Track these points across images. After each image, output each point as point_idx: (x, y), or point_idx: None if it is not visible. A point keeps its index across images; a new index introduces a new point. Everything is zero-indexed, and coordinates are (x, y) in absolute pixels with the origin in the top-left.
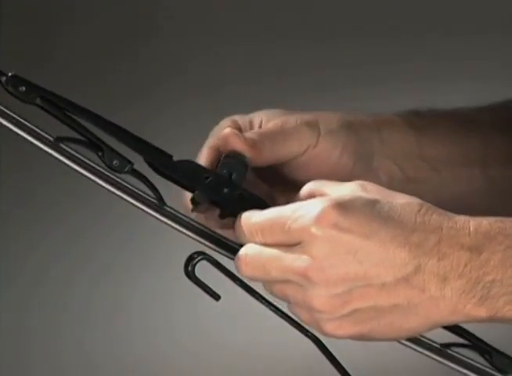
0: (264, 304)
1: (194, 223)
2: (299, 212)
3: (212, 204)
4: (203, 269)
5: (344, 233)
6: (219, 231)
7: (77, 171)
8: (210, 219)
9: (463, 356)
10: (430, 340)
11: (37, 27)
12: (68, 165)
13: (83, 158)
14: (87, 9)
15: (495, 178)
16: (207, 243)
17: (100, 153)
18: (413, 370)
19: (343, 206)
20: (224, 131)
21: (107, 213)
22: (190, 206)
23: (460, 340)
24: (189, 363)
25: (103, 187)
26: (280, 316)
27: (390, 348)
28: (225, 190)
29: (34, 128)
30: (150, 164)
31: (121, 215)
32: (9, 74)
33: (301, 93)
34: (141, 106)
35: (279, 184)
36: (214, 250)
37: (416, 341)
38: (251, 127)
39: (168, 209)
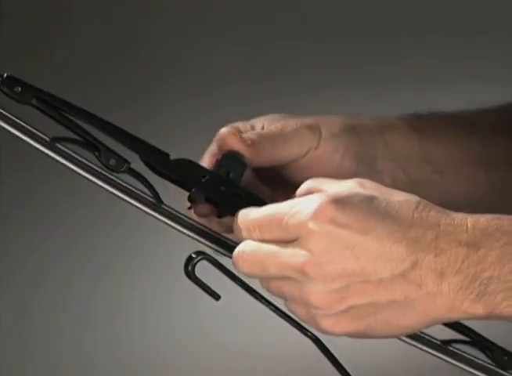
0: (264, 304)
1: (192, 222)
2: (296, 208)
3: (209, 202)
4: (203, 269)
5: (342, 229)
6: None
7: (73, 170)
8: (211, 221)
9: (463, 352)
10: (430, 336)
11: (37, 27)
12: (65, 165)
13: (80, 158)
14: (87, 9)
15: (496, 180)
16: (205, 241)
17: (97, 153)
18: (413, 370)
19: (340, 201)
20: (221, 130)
21: (107, 213)
22: (188, 205)
23: (461, 336)
24: (189, 363)
25: (100, 187)
26: (280, 316)
27: (390, 348)
28: (223, 189)
29: (30, 128)
30: (147, 163)
31: (121, 215)
32: (5, 75)
33: (301, 93)
34: (141, 106)
35: (281, 187)
36: (212, 248)
37: (417, 337)
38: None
39: (166, 208)
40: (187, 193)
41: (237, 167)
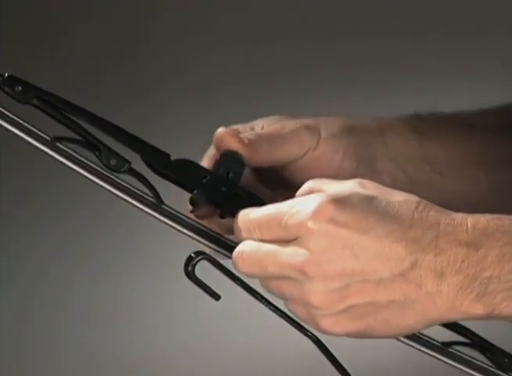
0: (264, 304)
1: (192, 222)
2: (296, 208)
3: (211, 203)
4: (203, 269)
5: (341, 228)
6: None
7: (74, 170)
8: (212, 222)
9: (463, 354)
10: (431, 338)
11: (37, 27)
12: (65, 165)
13: (80, 158)
14: (87, 9)
15: (496, 180)
16: (205, 241)
17: (97, 153)
18: (413, 370)
19: (340, 201)
20: (218, 130)
21: (107, 213)
22: (190, 207)
23: (461, 338)
24: (189, 363)
25: (101, 186)
26: (280, 316)
27: (390, 348)
28: (223, 189)
29: (31, 127)
30: (148, 163)
31: (121, 215)
32: (6, 75)
33: (301, 93)
34: (141, 106)
35: (281, 188)
36: (212, 249)
37: (417, 339)
38: None
39: (166, 208)
40: (187, 194)
41: (236, 166)
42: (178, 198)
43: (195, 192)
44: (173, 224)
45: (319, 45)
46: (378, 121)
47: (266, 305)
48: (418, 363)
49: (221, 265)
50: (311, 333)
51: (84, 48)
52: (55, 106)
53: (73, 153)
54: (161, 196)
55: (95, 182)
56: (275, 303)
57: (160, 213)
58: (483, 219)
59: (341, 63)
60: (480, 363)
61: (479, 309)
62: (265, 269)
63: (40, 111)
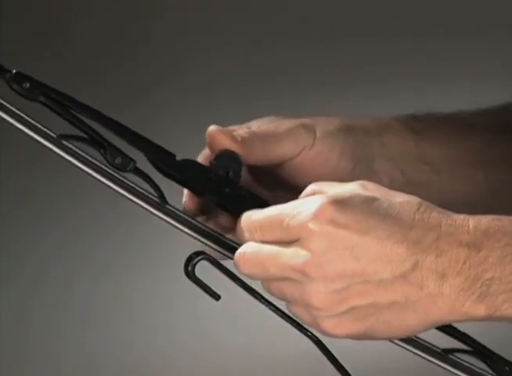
0: (264, 304)
1: (195, 223)
2: (297, 209)
3: (219, 206)
4: (203, 269)
5: (341, 229)
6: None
7: (79, 168)
8: (218, 224)
9: (464, 361)
10: (432, 345)
11: (37, 27)
12: (71, 162)
13: (85, 156)
14: (87, 8)
15: (495, 181)
16: (208, 242)
17: (103, 151)
18: (413, 371)
19: (340, 202)
20: (210, 128)
21: (107, 213)
22: (190, 203)
23: (462, 345)
24: (189, 363)
25: (105, 185)
26: (280, 316)
27: (390, 349)
28: (227, 191)
29: (37, 124)
30: (153, 163)
31: (121, 215)
32: (13, 71)
33: (301, 93)
34: (141, 106)
35: (277, 188)
36: (215, 249)
37: (419, 346)
38: None
39: (170, 208)
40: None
41: (234, 165)
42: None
43: (206, 198)
44: (177, 224)
45: (319, 45)
46: (375, 121)
47: (266, 305)
48: (418, 363)
49: (221, 265)
50: (311, 333)
51: (84, 48)
52: (62, 104)
53: (79, 151)
54: (166, 196)
55: (99, 181)
56: (275, 303)
57: (164, 213)
58: (484, 220)
59: (341, 63)
60: (480, 371)
61: (481, 311)
62: (267, 270)
63: (46, 108)
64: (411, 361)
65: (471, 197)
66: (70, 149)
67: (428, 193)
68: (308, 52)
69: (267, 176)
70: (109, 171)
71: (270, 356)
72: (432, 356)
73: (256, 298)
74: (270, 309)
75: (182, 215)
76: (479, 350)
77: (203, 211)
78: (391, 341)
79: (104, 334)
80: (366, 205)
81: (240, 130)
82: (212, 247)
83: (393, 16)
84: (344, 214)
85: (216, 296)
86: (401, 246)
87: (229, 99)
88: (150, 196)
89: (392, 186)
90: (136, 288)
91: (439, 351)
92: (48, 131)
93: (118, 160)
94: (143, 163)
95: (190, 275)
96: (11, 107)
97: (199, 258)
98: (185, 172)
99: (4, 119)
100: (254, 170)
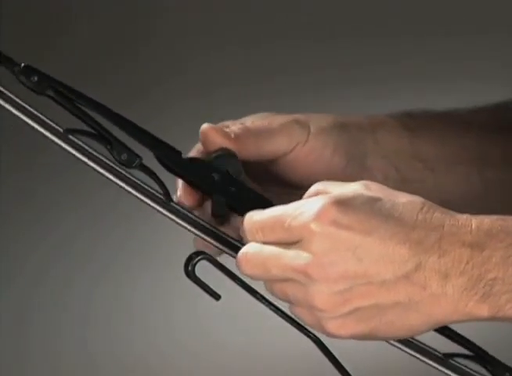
0: (264, 304)
1: (200, 221)
2: (300, 210)
3: (227, 207)
4: (203, 269)
5: (344, 230)
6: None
7: (85, 163)
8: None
9: (465, 366)
10: (433, 349)
11: (37, 27)
12: (76, 157)
13: (91, 151)
14: (87, 8)
15: (491, 179)
16: (212, 240)
17: (109, 147)
18: (413, 371)
19: (343, 203)
20: (203, 126)
21: (107, 213)
22: (188, 197)
23: (462, 350)
24: (189, 363)
25: (110, 180)
26: (281, 316)
27: (390, 349)
28: (233, 190)
29: (44, 118)
30: (160, 160)
31: (121, 215)
32: (22, 65)
33: (301, 93)
34: (141, 106)
35: (270, 184)
36: (218, 248)
37: (419, 350)
38: None
39: (174, 205)
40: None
41: (233, 162)
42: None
43: (215, 198)
44: (181, 222)
45: (319, 45)
46: (369, 119)
47: (266, 305)
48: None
49: (222, 265)
50: (311, 333)
51: (84, 48)
52: (70, 98)
53: (85, 146)
54: (171, 193)
55: (105, 176)
56: (275, 303)
57: (169, 210)
58: (487, 220)
59: (341, 63)
60: None
61: (484, 311)
62: (269, 271)
63: (54, 102)
64: (411, 361)
65: (468, 194)
66: (76, 143)
67: (423, 191)
68: (308, 52)
69: (260, 172)
70: (115, 167)
71: (270, 356)
72: (432, 360)
73: (256, 298)
74: (270, 309)
75: (186, 212)
76: (480, 355)
77: (214, 213)
78: (391, 344)
79: (104, 334)
80: (369, 206)
81: (234, 126)
82: (216, 246)
83: (393, 16)
84: (347, 214)
85: (216, 296)
86: (403, 246)
87: (229, 99)
88: (155, 193)
89: (386, 183)
90: (136, 288)
91: (439, 355)
92: (55, 125)
93: (124, 157)
94: (149, 161)
95: (190, 275)
96: (18, 100)
97: (199, 257)
98: (191, 170)
99: (11, 112)
100: (247, 165)
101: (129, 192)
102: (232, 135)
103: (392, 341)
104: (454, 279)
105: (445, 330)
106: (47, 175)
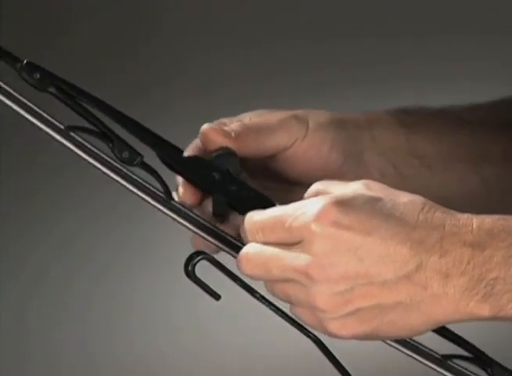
0: (264, 304)
1: (200, 220)
2: (301, 210)
3: (228, 206)
4: (203, 269)
5: (345, 231)
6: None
7: (86, 160)
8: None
9: (463, 368)
10: (431, 350)
11: (37, 27)
12: (78, 154)
13: (92, 148)
14: (87, 8)
15: (491, 176)
16: (212, 240)
17: (110, 145)
18: (413, 371)
19: (343, 203)
20: (203, 127)
21: (107, 213)
22: (190, 196)
23: (462, 352)
24: (189, 363)
25: (111, 178)
26: (281, 316)
27: (390, 349)
28: (233, 189)
29: (45, 115)
30: (161, 158)
31: (121, 215)
32: (24, 61)
33: (301, 93)
34: (141, 106)
35: (268, 181)
36: (219, 247)
37: (418, 351)
38: None
39: (175, 204)
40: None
41: (233, 161)
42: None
43: (216, 197)
44: (181, 220)
45: (319, 45)
46: (366, 115)
47: (266, 305)
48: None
49: (222, 265)
50: (311, 333)
51: (84, 48)
52: (72, 95)
53: (86, 144)
54: (172, 191)
55: (106, 174)
56: (275, 303)
57: (170, 209)
58: (488, 220)
59: (341, 63)
60: None
61: (485, 310)
62: (269, 271)
63: (56, 99)
64: (411, 362)
65: (466, 192)
66: (78, 141)
67: (421, 188)
68: (308, 52)
69: (258, 168)
70: (116, 165)
71: (270, 356)
72: (431, 361)
73: (256, 298)
74: (270, 309)
75: (187, 211)
76: (479, 357)
77: (216, 213)
78: (390, 344)
79: (104, 334)
80: (370, 205)
81: (232, 124)
82: (216, 245)
83: (393, 16)
84: (347, 215)
85: (216, 296)
86: (404, 246)
87: (229, 99)
88: (156, 191)
89: (383, 179)
90: (136, 288)
91: (438, 356)
92: (56, 123)
93: (125, 155)
94: (151, 160)
95: (190, 275)
96: (20, 97)
97: (199, 257)
98: (192, 169)
99: (13, 109)
100: (245, 162)
101: (130, 190)
102: (233, 134)
103: (391, 342)
104: (455, 279)
105: (444, 332)
106: (47, 175)
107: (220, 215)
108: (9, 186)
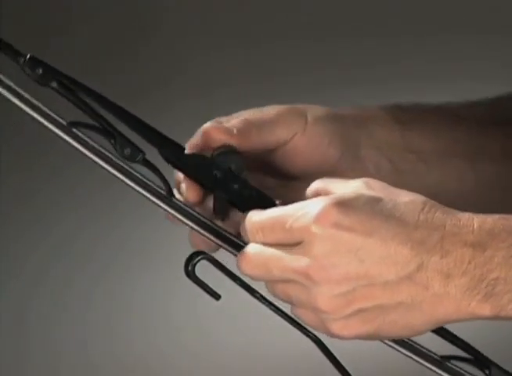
0: (264, 304)
1: (201, 218)
2: (301, 211)
3: (229, 204)
4: (203, 269)
5: (345, 232)
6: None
7: (87, 156)
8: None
9: (462, 369)
10: (430, 351)
11: (37, 27)
12: (79, 150)
13: (94, 144)
14: (87, 8)
15: (487, 174)
16: (213, 238)
17: (112, 141)
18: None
19: (344, 204)
20: (204, 126)
21: (107, 213)
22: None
23: (461, 353)
24: (189, 363)
25: (112, 175)
26: (281, 316)
27: (390, 349)
28: (235, 187)
29: (48, 111)
30: (163, 156)
31: (121, 215)
32: (27, 56)
33: (301, 93)
34: (141, 106)
35: (268, 178)
36: (219, 245)
37: (417, 352)
38: None
39: (176, 202)
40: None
41: (235, 159)
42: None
43: (217, 195)
44: (182, 218)
45: (319, 45)
46: (361, 111)
47: (266, 305)
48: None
49: (222, 264)
50: (311, 333)
51: (84, 48)
52: (74, 91)
53: (88, 140)
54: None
55: (107, 171)
56: (275, 303)
57: (170, 206)
58: (489, 220)
59: (341, 63)
60: None
61: (486, 310)
62: (270, 272)
63: (58, 95)
64: (411, 362)
65: (462, 187)
66: (80, 137)
67: (417, 182)
68: (308, 52)
69: (257, 164)
70: (118, 162)
71: (270, 356)
72: (430, 362)
73: (256, 298)
74: (270, 309)
75: (187, 209)
76: (478, 358)
77: (216, 211)
78: (389, 345)
79: (104, 334)
80: (370, 206)
81: (233, 120)
82: (216, 243)
83: (393, 16)
84: (348, 216)
85: (216, 296)
86: (405, 247)
87: (229, 99)
88: (157, 188)
89: (379, 174)
90: (136, 288)
91: (437, 357)
92: (58, 118)
93: (127, 151)
94: (153, 158)
95: (190, 275)
96: (22, 93)
97: (199, 257)
98: (194, 166)
99: (15, 104)
100: (245, 158)
101: (131, 187)
102: (235, 131)
103: (390, 343)
104: (456, 279)
105: (443, 333)
106: (47, 175)
107: (221, 212)
108: (9, 186)
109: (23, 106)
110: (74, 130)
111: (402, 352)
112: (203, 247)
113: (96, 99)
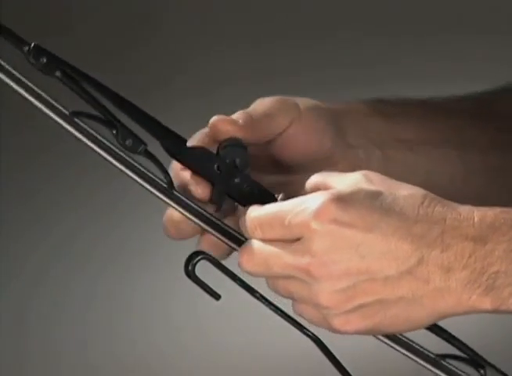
0: (264, 303)
1: (202, 211)
2: (300, 207)
3: (229, 197)
4: (204, 269)
5: (345, 228)
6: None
7: (88, 146)
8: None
9: (457, 368)
10: (426, 350)
11: (37, 27)
12: (80, 140)
13: (96, 135)
14: (87, 9)
15: (473, 163)
16: (213, 231)
17: (114, 132)
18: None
19: (343, 200)
20: (211, 119)
21: (107, 213)
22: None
23: (457, 352)
24: (189, 363)
25: (114, 166)
26: (280, 316)
27: (390, 348)
28: (236, 181)
29: (50, 100)
30: (165, 147)
31: (121, 215)
32: (32, 45)
33: (301, 93)
34: (141, 106)
35: (267, 167)
36: (220, 239)
37: (413, 350)
38: None
39: (177, 194)
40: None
41: (240, 151)
42: None
43: (217, 189)
44: (182, 211)
45: (319, 45)
46: (344, 104)
47: (266, 305)
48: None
49: (222, 264)
50: (311, 332)
51: (84, 48)
52: (78, 80)
53: (90, 130)
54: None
55: (108, 161)
56: (275, 303)
57: (171, 199)
58: (490, 213)
59: (341, 63)
60: None
61: (487, 304)
62: (270, 268)
63: (62, 84)
64: (410, 362)
65: (450, 177)
66: (81, 127)
67: (407, 170)
68: (308, 52)
69: (256, 160)
70: (119, 153)
71: (270, 356)
72: (424, 360)
73: (256, 297)
74: (270, 308)
75: (188, 202)
76: (473, 358)
77: (215, 202)
78: (385, 343)
79: (104, 334)
80: (369, 201)
81: (236, 114)
82: (216, 237)
83: (393, 16)
84: (347, 211)
85: (216, 296)
86: (405, 241)
87: (229, 99)
88: (158, 180)
89: (370, 162)
90: (136, 288)
91: (432, 356)
92: (61, 108)
93: (129, 142)
94: (155, 150)
95: (190, 275)
96: (26, 81)
97: (199, 257)
98: (195, 158)
99: (19, 93)
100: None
101: (132, 178)
102: (241, 122)
103: (385, 340)
104: (457, 272)
105: (439, 331)
106: (47, 175)
107: (216, 202)
108: (9, 186)
109: (25, 94)
110: (76, 120)
111: (397, 350)
112: (214, 252)
113: (99, 90)
